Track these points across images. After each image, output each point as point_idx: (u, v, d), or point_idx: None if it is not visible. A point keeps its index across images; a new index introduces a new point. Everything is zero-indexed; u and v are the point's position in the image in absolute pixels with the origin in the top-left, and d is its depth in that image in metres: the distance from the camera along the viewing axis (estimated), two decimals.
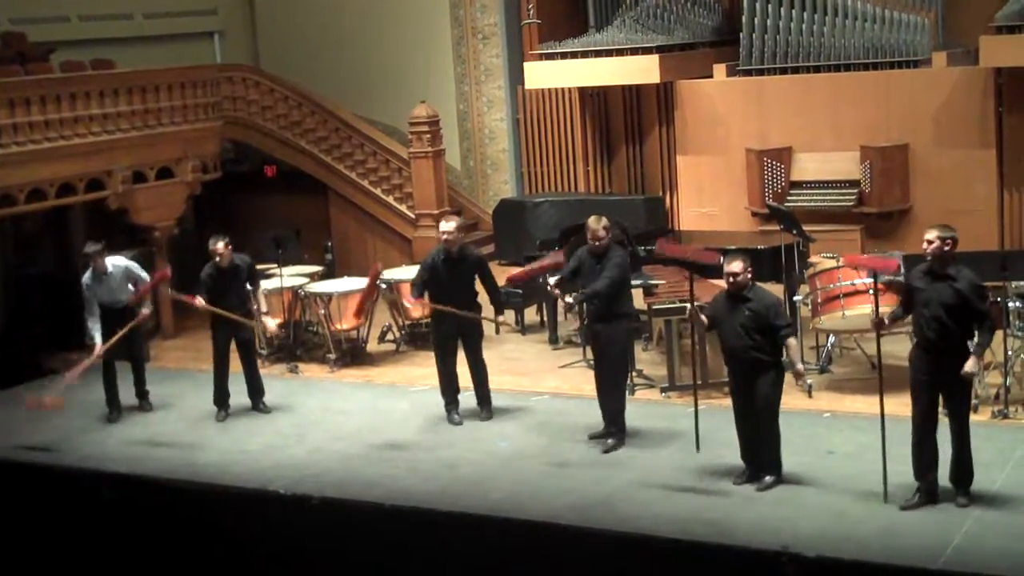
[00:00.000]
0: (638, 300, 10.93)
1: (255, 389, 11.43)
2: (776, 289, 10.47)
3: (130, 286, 11.36)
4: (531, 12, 16.33)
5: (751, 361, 8.68)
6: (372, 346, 13.17)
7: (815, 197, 14.37)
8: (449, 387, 10.75)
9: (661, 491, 8.90)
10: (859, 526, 8.05)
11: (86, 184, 13.64)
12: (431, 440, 10.40)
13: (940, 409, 8.32)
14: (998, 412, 9.76)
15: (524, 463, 9.70)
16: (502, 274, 11.61)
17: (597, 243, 9.79)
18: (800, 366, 8.93)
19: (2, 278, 14.38)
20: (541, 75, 15.94)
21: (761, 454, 8.84)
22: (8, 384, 12.62)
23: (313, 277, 13.57)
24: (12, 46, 14.92)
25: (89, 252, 11.29)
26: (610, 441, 9.81)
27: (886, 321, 8.62)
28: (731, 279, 8.77)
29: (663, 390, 11.01)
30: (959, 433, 8.20)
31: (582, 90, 16.58)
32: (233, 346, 11.25)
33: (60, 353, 13.17)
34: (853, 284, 10.50)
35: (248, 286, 11.38)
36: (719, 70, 15.24)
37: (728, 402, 9.25)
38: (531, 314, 13.63)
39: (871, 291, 9.30)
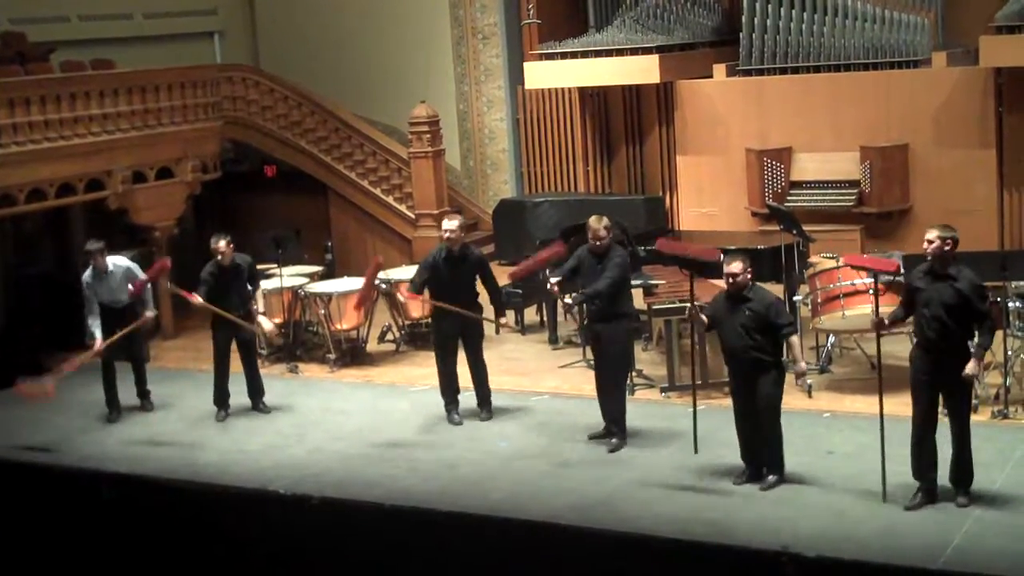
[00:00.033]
0: (638, 300, 10.93)
1: (255, 389, 11.43)
2: (776, 289, 10.46)
3: (130, 286, 11.35)
4: (531, 12, 16.34)
5: (752, 361, 8.68)
6: (372, 346, 13.17)
7: (815, 197, 14.38)
8: (449, 387, 10.75)
9: (661, 491, 8.90)
10: (859, 526, 8.05)
11: (86, 184, 13.64)
12: (431, 440, 10.40)
13: (940, 409, 8.32)
14: (998, 412, 9.76)
15: (524, 463, 9.70)
16: (502, 274, 11.59)
17: (598, 243, 9.79)
18: (802, 364, 8.93)
19: (2, 278, 14.38)
20: (541, 75, 15.95)
21: (763, 454, 8.84)
22: (8, 384, 12.61)
23: (313, 277, 13.58)
24: (12, 46, 14.92)
25: (90, 250, 11.28)
26: (614, 441, 9.81)
27: (886, 321, 8.62)
28: (731, 280, 8.77)
29: (663, 390, 11.01)
30: (959, 433, 8.20)
31: (582, 90, 16.58)
32: (234, 346, 11.25)
33: (60, 353, 13.14)
34: (853, 284, 10.50)
35: (248, 286, 11.37)
36: (719, 70, 15.25)
37: (728, 402, 9.26)
38: (531, 314, 13.63)
39: (871, 291, 9.30)
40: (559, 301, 12.39)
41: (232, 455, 10.36)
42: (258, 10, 19.17)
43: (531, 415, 10.83)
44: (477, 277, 10.66)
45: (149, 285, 11.55)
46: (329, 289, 12.79)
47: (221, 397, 11.33)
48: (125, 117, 14.00)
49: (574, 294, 10.42)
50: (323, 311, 12.60)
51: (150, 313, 11.55)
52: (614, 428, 9.87)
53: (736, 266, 8.74)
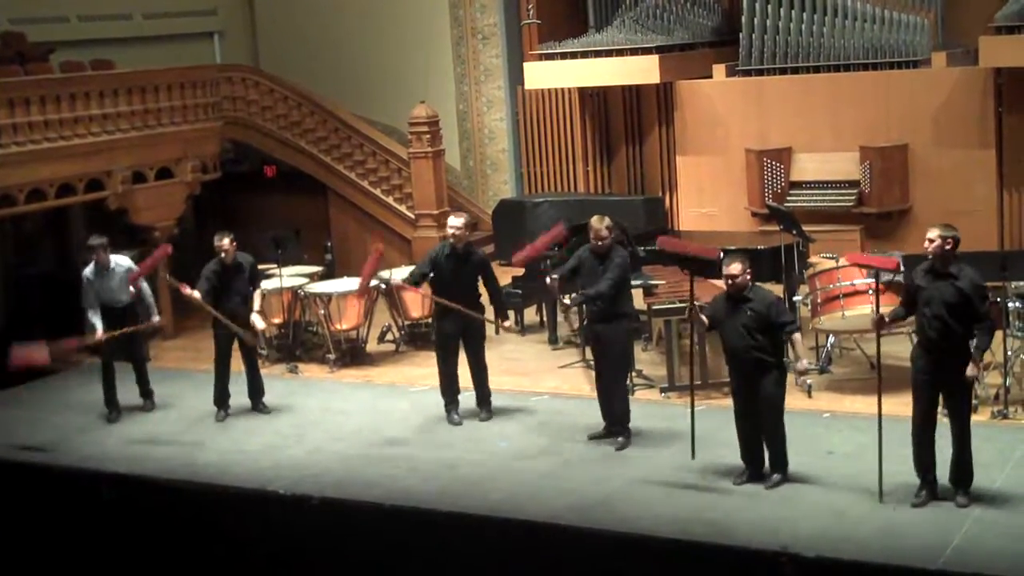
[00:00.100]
0: (638, 300, 10.93)
1: (255, 389, 11.43)
2: (776, 289, 10.46)
3: (130, 287, 11.34)
4: (531, 12, 16.34)
5: (753, 361, 8.68)
6: (372, 346, 13.17)
7: (815, 197, 14.38)
8: (449, 387, 10.75)
9: (661, 491, 8.90)
10: (859, 526, 8.04)
11: (86, 184, 13.64)
12: (431, 440, 10.40)
13: (940, 409, 8.32)
14: (998, 412, 9.76)
15: (524, 463, 9.69)
16: (502, 274, 11.60)
17: (600, 243, 9.78)
18: (805, 361, 8.92)
19: (2, 278, 14.39)
20: (541, 75, 15.95)
21: (761, 454, 8.85)
22: (8, 384, 12.62)
23: (313, 277, 13.57)
24: (12, 46, 14.92)
25: (93, 245, 11.27)
26: (620, 439, 9.82)
27: (887, 319, 8.62)
28: (730, 281, 8.77)
29: (663, 390, 11.01)
30: (960, 434, 8.20)
31: (582, 90, 16.58)
32: (235, 345, 11.24)
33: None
34: (853, 284, 10.51)
35: (249, 286, 11.37)
36: (719, 70, 15.24)
37: (728, 402, 9.25)
38: (531, 314, 13.63)
39: (871, 291, 9.30)
40: (558, 301, 12.41)
41: (232, 455, 10.35)
42: (258, 10, 19.17)
43: (531, 415, 10.82)
44: (479, 278, 10.65)
45: (150, 290, 11.56)
46: (329, 289, 12.78)
47: (221, 397, 11.33)
48: (125, 117, 14.00)
49: (574, 294, 10.42)
50: (323, 311, 12.60)
51: (157, 319, 11.55)
52: (619, 428, 9.87)
53: (735, 267, 8.74)
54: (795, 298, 11.52)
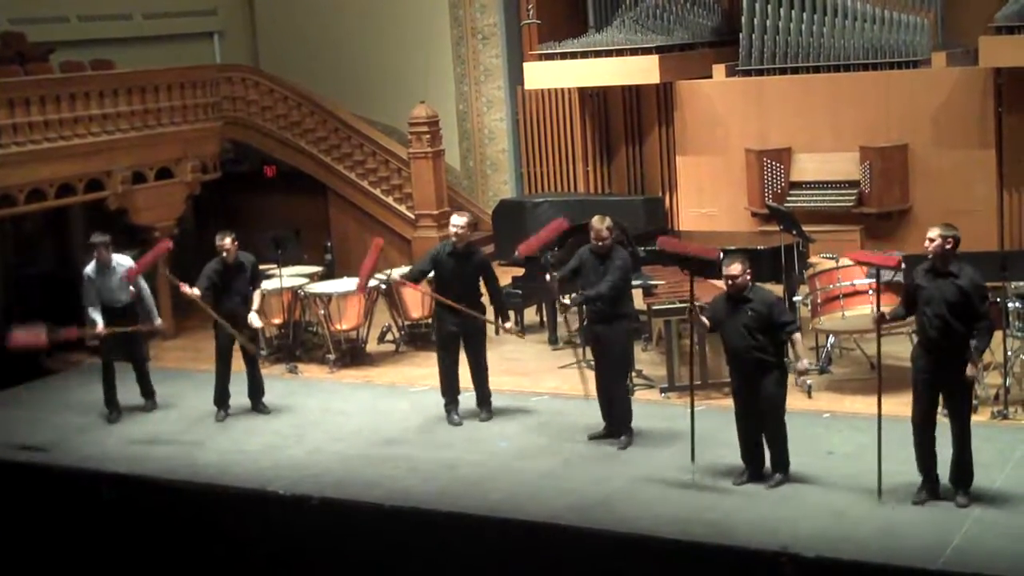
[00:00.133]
0: (638, 300, 10.93)
1: (256, 389, 11.43)
2: (776, 290, 10.46)
3: (131, 287, 11.34)
4: (531, 12, 16.34)
5: (754, 361, 8.68)
6: (372, 346, 13.17)
7: (815, 197, 14.38)
8: (450, 387, 10.75)
9: (661, 491, 8.90)
10: (858, 526, 8.04)
11: (86, 184, 13.64)
12: (431, 440, 10.40)
13: (940, 409, 8.33)
14: (998, 412, 9.76)
15: (524, 463, 9.69)
16: (502, 275, 11.59)
17: (601, 243, 9.78)
18: (805, 361, 8.93)
19: (2, 278, 14.39)
20: (541, 75, 15.95)
21: (761, 455, 8.85)
22: (8, 384, 12.62)
23: (313, 277, 13.57)
24: (12, 46, 14.92)
25: (95, 242, 11.25)
26: (623, 439, 9.83)
27: (887, 317, 8.62)
28: (730, 281, 8.77)
29: (663, 390, 11.01)
30: (960, 434, 8.20)
31: (582, 90, 16.58)
32: (236, 345, 11.24)
33: (60, 353, 13.17)
34: (853, 284, 10.51)
35: (250, 285, 11.36)
36: (719, 70, 15.24)
37: (728, 402, 9.25)
38: (531, 314, 13.63)
39: (871, 291, 9.29)
40: (557, 301, 12.40)
41: (232, 455, 10.35)
42: (258, 10, 19.17)
43: (531, 415, 10.82)
44: (480, 278, 10.65)
45: (150, 291, 11.55)
46: (329, 289, 12.78)
47: (222, 397, 11.33)
48: (125, 117, 14.00)
49: (573, 295, 10.41)
50: (323, 311, 12.60)
51: (158, 322, 11.55)
52: (621, 427, 9.87)
53: (735, 268, 8.74)
54: (795, 298, 11.52)
